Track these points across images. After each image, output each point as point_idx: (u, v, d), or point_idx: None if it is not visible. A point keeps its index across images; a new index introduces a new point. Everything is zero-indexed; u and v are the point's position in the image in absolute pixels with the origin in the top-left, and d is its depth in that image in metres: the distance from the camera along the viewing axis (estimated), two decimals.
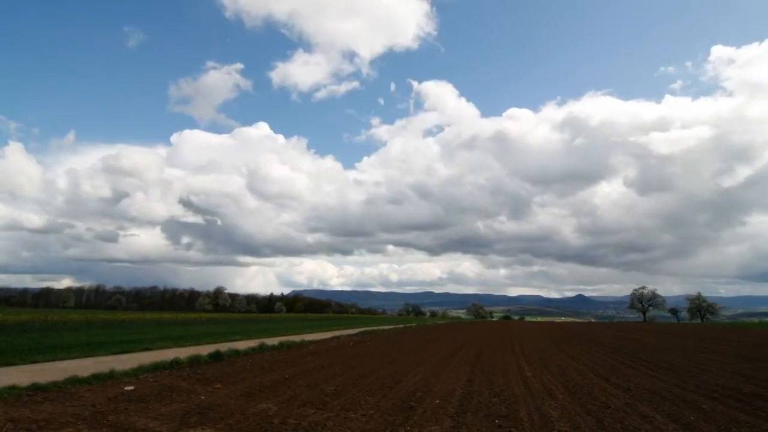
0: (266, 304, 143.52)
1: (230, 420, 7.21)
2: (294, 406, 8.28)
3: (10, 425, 6.67)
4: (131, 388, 9.51)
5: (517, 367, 14.85)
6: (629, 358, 18.17)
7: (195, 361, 13.71)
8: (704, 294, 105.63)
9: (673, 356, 18.79)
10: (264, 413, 7.70)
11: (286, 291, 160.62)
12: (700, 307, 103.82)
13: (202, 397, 8.86)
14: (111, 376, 10.62)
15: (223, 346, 17.15)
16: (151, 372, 11.67)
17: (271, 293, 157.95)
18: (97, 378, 10.29)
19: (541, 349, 22.31)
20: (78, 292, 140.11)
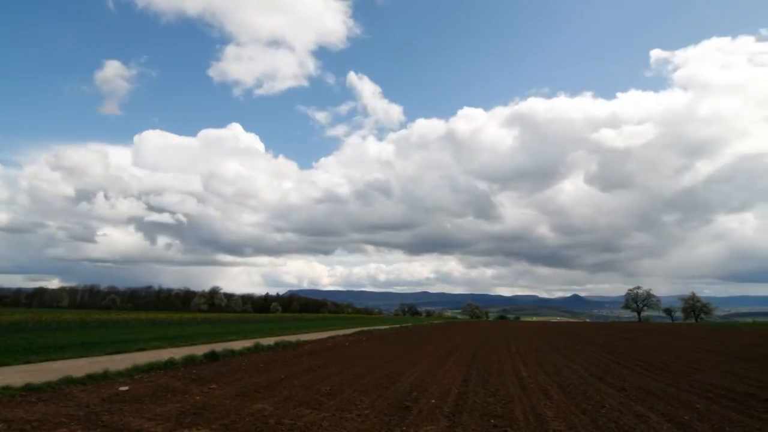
0: (262, 304, 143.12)
1: (225, 420, 7.19)
2: (290, 407, 8.27)
3: (3, 426, 6.62)
4: (126, 388, 9.47)
5: (513, 367, 14.89)
6: (624, 357, 18.25)
7: (190, 361, 13.67)
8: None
9: (667, 356, 18.89)
10: (259, 413, 7.68)
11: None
12: (694, 307, 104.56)
13: (198, 398, 8.83)
14: (105, 377, 10.57)
15: (219, 346, 17.11)
16: (145, 372, 11.62)
17: (267, 293, 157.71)
18: (91, 378, 10.25)
19: (536, 349, 22.37)
20: (72, 291, 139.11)
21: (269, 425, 6.98)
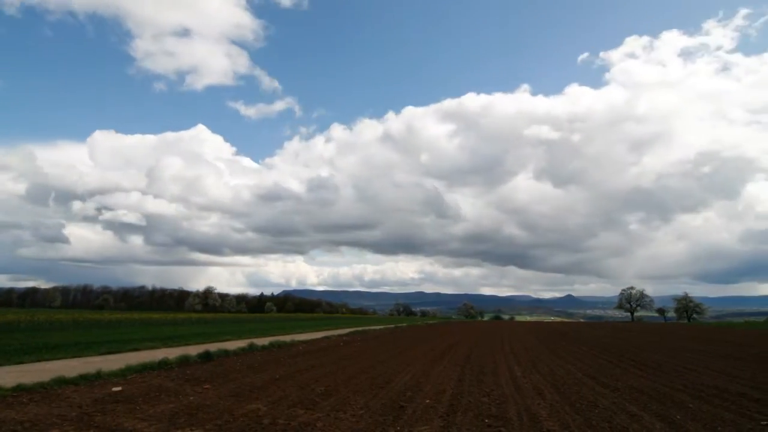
0: (256, 304, 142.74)
1: (219, 421, 7.16)
2: (284, 407, 8.25)
3: None
4: (119, 388, 9.42)
5: (507, 366, 14.93)
6: (617, 357, 18.35)
7: (184, 361, 13.61)
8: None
9: (660, 356, 19.02)
10: (253, 414, 7.66)
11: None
12: (687, 307, 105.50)
13: (191, 398, 8.80)
14: (98, 377, 10.50)
15: (213, 347, 17.04)
16: (139, 372, 11.56)
17: (261, 293, 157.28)
18: (83, 379, 10.18)
19: (530, 348, 22.45)
20: (64, 291, 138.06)
21: (263, 425, 6.96)
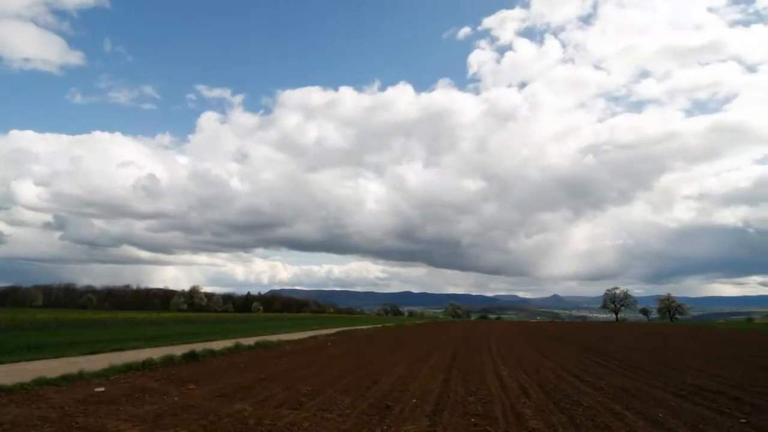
0: (243, 303, 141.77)
1: (204, 421, 7.10)
2: (270, 407, 8.21)
3: None
4: (102, 389, 9.28)
5: (493, 366, 15.03)
6: (601, 357, 18.59)
7: (168, 361, 13.46)
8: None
9: (642, 355, 19.32)
10: (239, 414, 7.61)
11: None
12: (669, 307, 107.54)
13: (176, 398, 8.71)
14: (80, 377, 10.34)
15: (198, 346, 16.87)
16: (122, 373, 11.40)
17: (248, 292, 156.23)
18: (65, 379, 10.00)
19: (516, 348, 22.64)
20: (47, 290, 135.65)
21: (249, 426, 6.92)
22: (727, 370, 14.24)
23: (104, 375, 10.89)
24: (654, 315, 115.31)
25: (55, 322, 32.14)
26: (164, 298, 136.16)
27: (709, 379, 12.37)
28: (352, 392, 9.79)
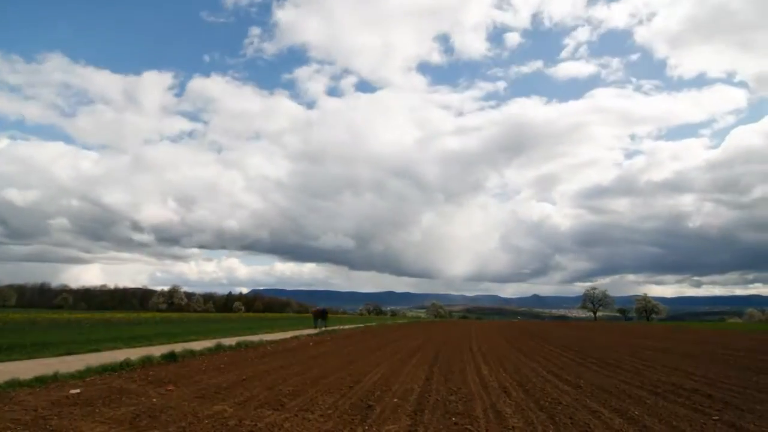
0: (224, 303, 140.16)
1: (183, 423, 7.00)
2: (250, 408, 8.14)
3: None
4: (77, 391, 9.07)
5: (475, 365, 15.15)
6: (580, 355, 18.90)
7: (147, 362, 13.23)
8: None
9: (620, 354, 19.69)
10: (219, 415, 7.52)
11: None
12: (646, 307, 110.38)
13: (154, 400, 8.57)
14: (55, 379, 10.08)
15: (178, 347, 16.63)
16: (99, 374, 11.16)
17: (230, 292, 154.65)
18: (39, 381, 9.75)
19: (497, 347, 22.86)
20: (20, 290, 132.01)
21: (229, 427, 6.85)
22: (701, 369, 14.62)
23: (80, 376, 10.64)
24: (631, 315, 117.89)
25: (29, 322, 31.30)
26: (142, 297, 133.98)
27: (684, 377, 12.68)
28: (334, 392, 9.77)
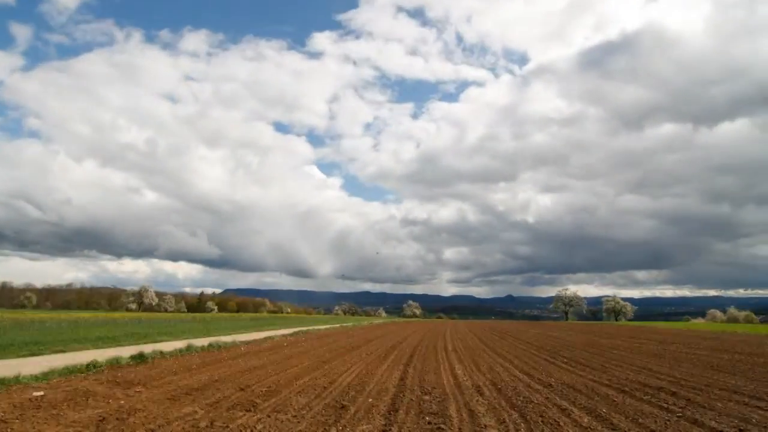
0: (196, 303, 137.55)
1: (151, 425, 6.84)
2: (222, 409, 8.01)
3: None
4: (40, 393, 8.76)
5: (449, 365, 15.29)
6: (551, 355, 19.28)
7: (115, 363, 12.89)
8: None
9: (589, 353, 20.18)
10: (189, 417, 7.38)
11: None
12: (614, 308, 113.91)
13: (122, 402, 8.34)
14: (17, 381, 9.70)
15: (147, 348, 16.24)
16: (63, 376, 10.81)
17: (202, 291, 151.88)
18: (0, 383, 9.38)
19: (471, 347, 23.11)
20: None
21: (200, 429, 6.73)
22: (666, 367, 15.10)
23: (43, 378, 10.28)
24: (600, 315, 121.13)
25: None
26: (110, 297, 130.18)
27: (649, 376, 13.09)
28: (308, 393, 9.71)
